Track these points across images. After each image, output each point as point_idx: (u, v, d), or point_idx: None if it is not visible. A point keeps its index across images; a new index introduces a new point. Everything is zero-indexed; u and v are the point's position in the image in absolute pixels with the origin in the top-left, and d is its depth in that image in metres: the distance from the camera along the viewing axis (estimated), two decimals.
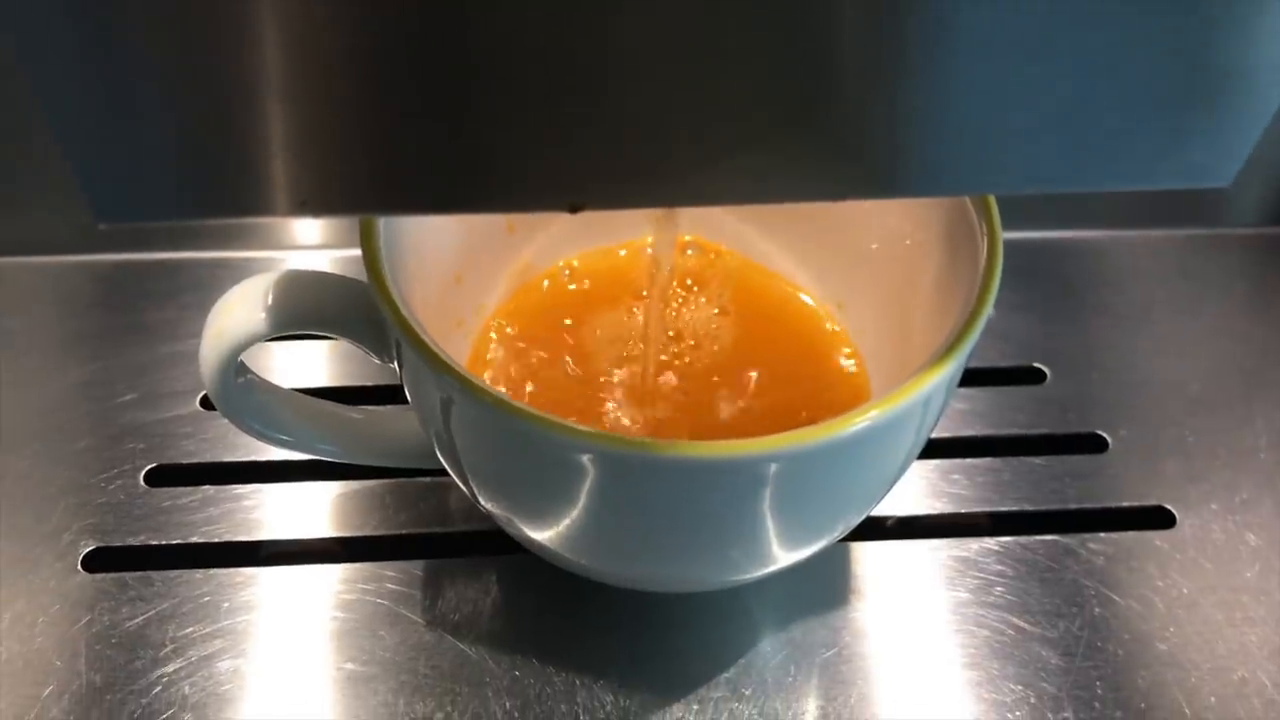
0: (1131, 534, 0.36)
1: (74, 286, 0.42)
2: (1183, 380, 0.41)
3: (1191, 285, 0.45)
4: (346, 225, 0.45)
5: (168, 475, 0.37)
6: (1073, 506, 0.37)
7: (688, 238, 0.37)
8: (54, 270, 0.43)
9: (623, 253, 0.37)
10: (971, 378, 0.40)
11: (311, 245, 0.45)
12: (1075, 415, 0.39)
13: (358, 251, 0.43)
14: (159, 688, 0.32)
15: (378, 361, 0.29)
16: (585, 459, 0.24)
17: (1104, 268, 0.45)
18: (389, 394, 0.39)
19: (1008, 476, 0.38)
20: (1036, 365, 0.41)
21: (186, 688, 0.32)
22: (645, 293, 0.35)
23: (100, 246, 0.43)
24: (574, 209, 0.21)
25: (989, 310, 0.27)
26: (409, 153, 0.19)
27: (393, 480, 0.36)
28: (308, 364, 0.40)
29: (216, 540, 0.35)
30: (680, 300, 0.36)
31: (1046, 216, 0.46)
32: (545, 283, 0.36)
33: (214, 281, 0.42)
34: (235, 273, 0.42)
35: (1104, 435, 0.39)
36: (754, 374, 0.34)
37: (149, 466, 0.37)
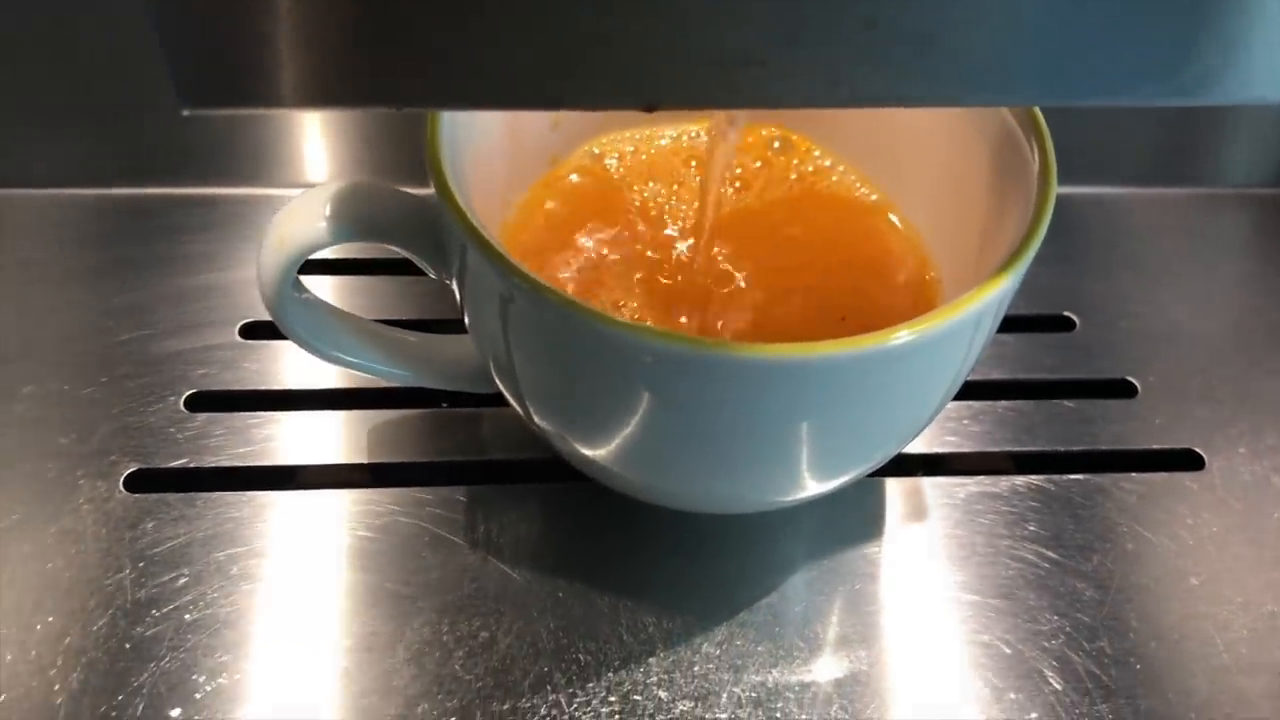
0: (1162, 475, 0.37)
1: (109, 220, 0.42)
2: (1209, 330, 0.41)
3: (1215, 242, 0.45)
4: (378, 161, 0.45)
5: (208, 401, 0.37)
6: (1103, 448, 0.37)
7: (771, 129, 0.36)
8: (88, 203, 0.42)
9: (665, 140, 0.37)
10: (1001, 324, 0.40)
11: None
12: (1105, 361, 0.40)
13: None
14: (202, 603, 0.32)
15: (433, 276, 0.29)
16: (648, 360, 0.24)
17: (1129, 223, 0.46)
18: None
19: (1039, 419, 0.38)
20: (1066, 314, 0.41)
21: (227, 606, 0.32)
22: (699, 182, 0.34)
23: (134, 181, 0.43)
24: (649, 107, 0.21)
25: (1043, 231, 0.27)
26: (481, 44, 0.19)
27: (432, 409, 0.37)
28: (347, 300, 0.40)
29: (256, 464, 0.35)
30: (737, 190, 0.35)
31: (1071, 172, 0.46)
32: (573, 176, 0.35)
33: (246, 217, 0.42)
34: (268, 208, 0.42)
35: (1133, 381, 0.39)
36: (811, 278, 0.33)
37: (189, 393, 0.37)
